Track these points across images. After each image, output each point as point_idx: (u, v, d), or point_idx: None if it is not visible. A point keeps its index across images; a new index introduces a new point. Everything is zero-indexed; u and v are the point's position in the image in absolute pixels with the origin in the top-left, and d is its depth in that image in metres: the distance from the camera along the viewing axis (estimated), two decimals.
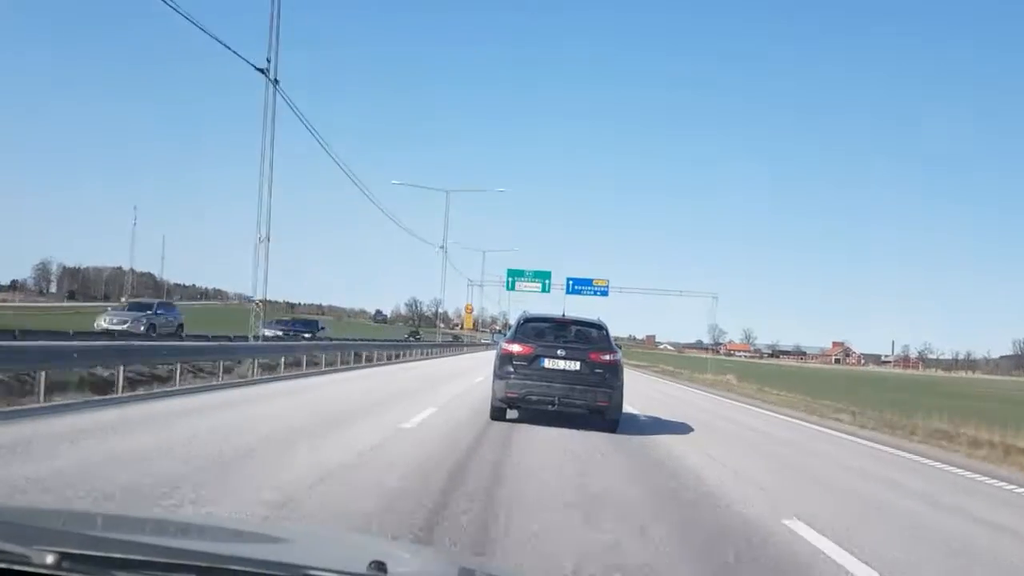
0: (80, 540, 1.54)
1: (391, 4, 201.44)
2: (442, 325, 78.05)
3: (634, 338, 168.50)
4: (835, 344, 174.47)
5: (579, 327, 11.89)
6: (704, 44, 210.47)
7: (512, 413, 11.41)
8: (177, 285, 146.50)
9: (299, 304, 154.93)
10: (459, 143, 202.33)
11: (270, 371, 18.45)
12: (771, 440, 13.35)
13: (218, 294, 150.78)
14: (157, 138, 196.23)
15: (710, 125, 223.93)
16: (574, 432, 10.50)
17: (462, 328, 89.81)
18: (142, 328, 24.24)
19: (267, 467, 6.50)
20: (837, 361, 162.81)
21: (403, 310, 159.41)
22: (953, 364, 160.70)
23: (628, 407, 14.56)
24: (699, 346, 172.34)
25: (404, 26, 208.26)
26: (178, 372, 14.03)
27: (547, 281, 57.96)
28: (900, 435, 14.64)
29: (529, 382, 10.80)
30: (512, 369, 10.93)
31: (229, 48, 17.59)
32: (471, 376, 22.62)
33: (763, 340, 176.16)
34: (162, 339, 19.74)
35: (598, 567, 4.37)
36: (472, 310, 70.90)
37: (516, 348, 11.06)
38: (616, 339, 12.31)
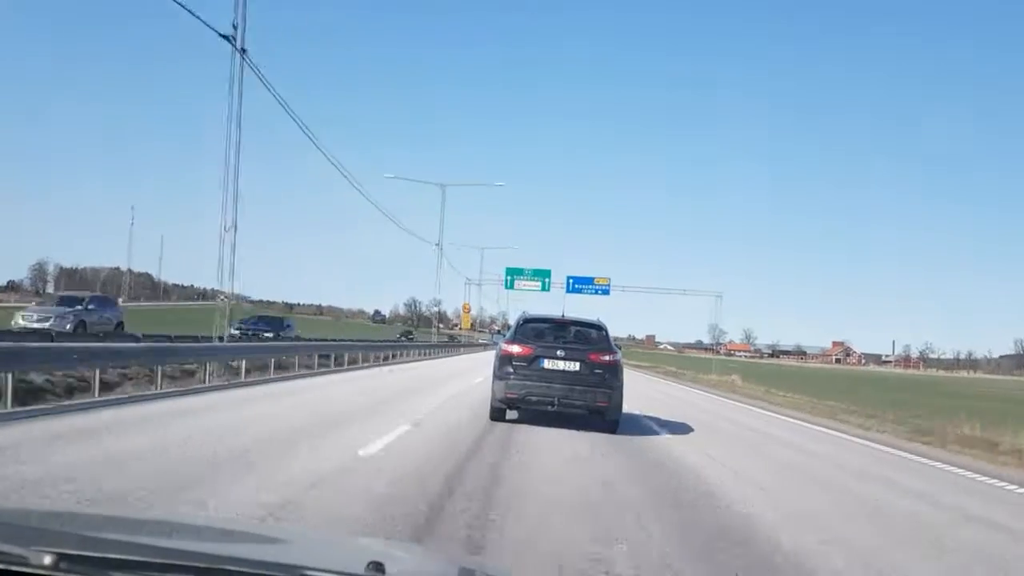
0: (77, 541, 1.54)
1: (391, 4, 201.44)
2: (441, 325, 77.81)
3: (633, 338, 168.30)
4: (835, 344, 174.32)
5: (578, 328, 11.90)
6: (704, 44, 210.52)
7: (512, 414, 11.42)
8: (175, 285, 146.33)
9: (298, 305, 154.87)
10: (459, 143, 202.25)
11: (233, 376, 16.26)
12: (806, 454, 11.62)
13: (215, 294, 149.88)
14: (157, 138, 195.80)
15: (710, 125, 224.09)
16: (582, 462, 8.47)
17: (460, 328, 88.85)
18: (68, 327, 21.09)
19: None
20: (838, 361, 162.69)
21: (402, 310, 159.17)
22: (954, 364, 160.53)
23: (634, 410, 14.58)
24: (699, 346, 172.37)
25: (403, 27, 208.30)
26: (96, 380, 11.84)
27: (547, 280, 56.58)
28: (935, 443, 13.29)
29: (529, 383, 10.81)
30: (512, 370, 10.95)
31: (192, 13, 16.20)
32: (462, 380, 21.22)
33: (763, 340, 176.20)
34: (88, 340, 17.13)
35: None
36: (470, 309, 69.73)
37: (516, 349, 11.09)
38: (615, 339, 12.33)
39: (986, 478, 9.79)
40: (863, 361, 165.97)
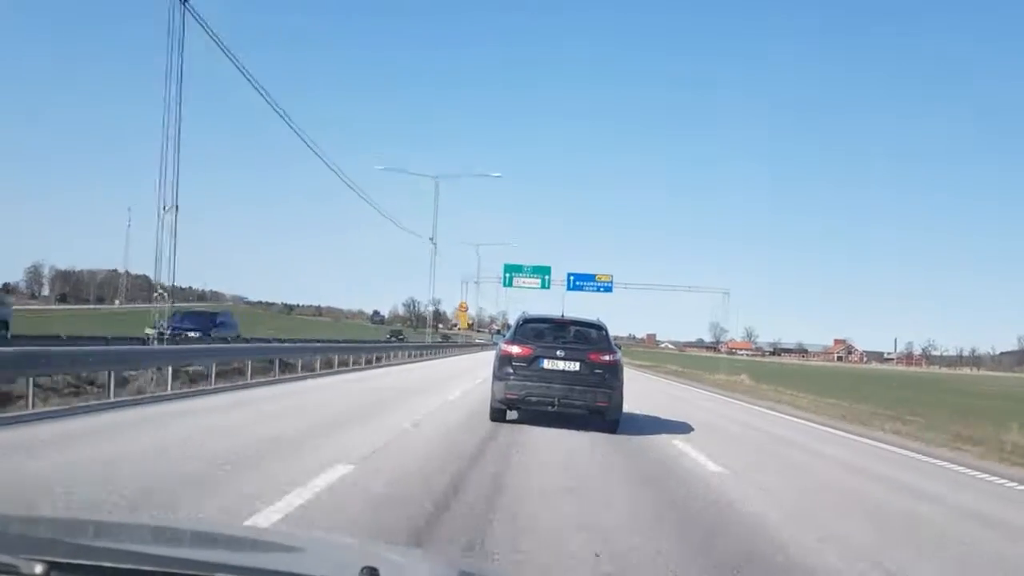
0: (69, 549, 1.52)
1: (391, 5, 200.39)
2: (440, 325, 76.68)
3: (634, 337, 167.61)
4: (837, 342, 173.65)
5: (578, 327, 11.90)
6: (705, 43, 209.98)
7: (512, 414, 11.45)
8: (173, 287, 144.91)
9: (297, 306, 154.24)
10: (458, 143, 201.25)
11: (161, 387, 13.13)
12: (865, 476, 9.26)
13: (215, 296, 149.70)
14: (154, 138, 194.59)
15: (711, 124, 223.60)
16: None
17: (459, 328, 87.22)
18: None
19: None
20: (839, 359, 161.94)
21: (401, 311, 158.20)
22: (957, 361, 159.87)
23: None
24: (700, 344, 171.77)
25: (404, 26, 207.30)
26: None
27: (547, 277, 54.41)
28: (991, 455, 11.41)
29: (528, 383, 10.80)
30: (511, 370, 10.94)
31: None
32: (444, 390, 17.38)
33: (764, 338, 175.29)
34: None
35: None
36: (467, 308, 67.56)
37: (515, 349, 11.08)
38: (616, 338, 12.28)
39: None
40: (865, 359, 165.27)
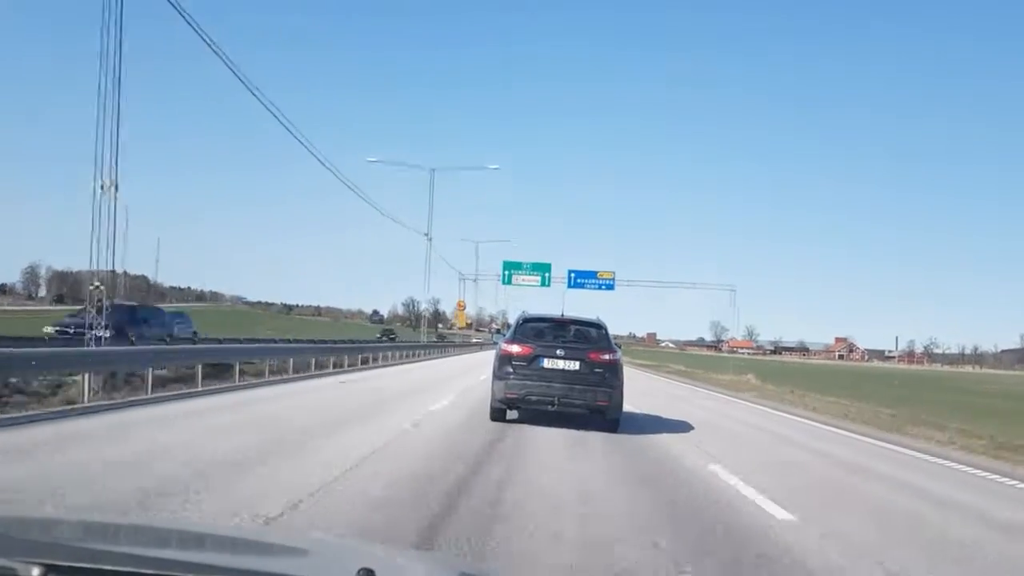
0: (67, 552, 1.53)
1: (389, 3, 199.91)
2: (440, 325, 75.93)
3: (634, 336, 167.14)
4: (838, 340, 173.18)
5: (578, 327, 11.92)
6: (702, 40, 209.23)
7: (512, 414, 11.46)
8: (172, 288, 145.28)
9: (297, 306, 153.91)
10: (457, 142, 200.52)
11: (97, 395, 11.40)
12: (931, 503, 7.72)
13: (214, 296, 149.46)
14: (155, 138, 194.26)
15: (711, 121, 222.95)
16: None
17: (458, 328, 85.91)
18: None
19: None
20: (841, 357, 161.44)
21: (400, 310, 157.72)
22: (959, 359, 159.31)
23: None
24: (700, 343, 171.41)
25: (402, 26, 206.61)
26: None
27: (546, 274, 52.70)
28: None
29: (529, 382, 10.83)
30: (511, 369, 10.96)
31: None
32: (424, 400, 14.50)
33: (765, 336, 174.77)
34: None
35: None
36: (465, 307, 66.07)
37: (515, 348, 11.10)
38: (616, 338, 12.29)
39: None
40: (866, 357, 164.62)
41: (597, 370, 10.91)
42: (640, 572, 4.51)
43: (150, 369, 13.09)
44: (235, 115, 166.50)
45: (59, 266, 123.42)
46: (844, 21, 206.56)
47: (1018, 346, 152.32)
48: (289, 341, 29.69)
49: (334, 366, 24.37)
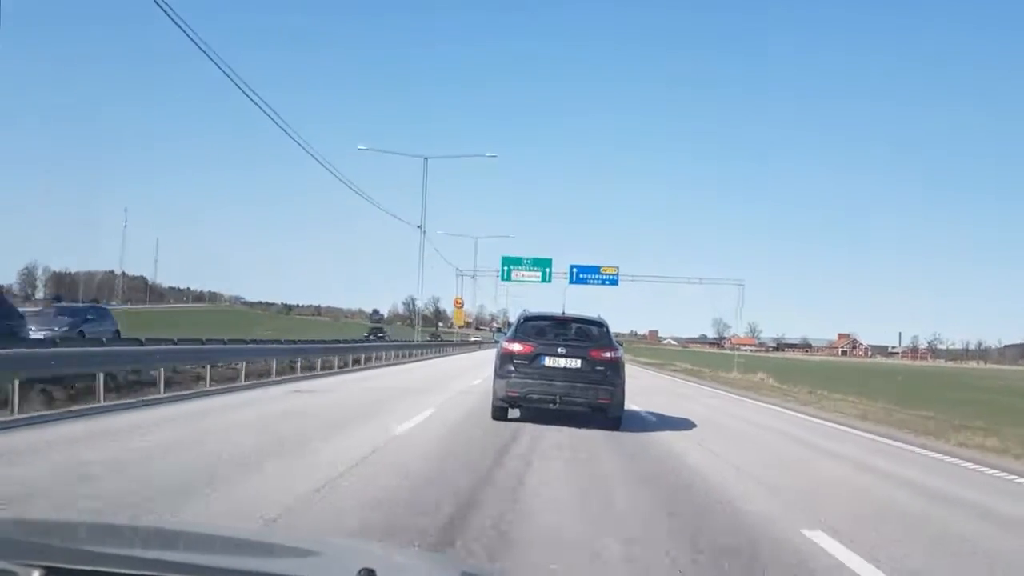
0: (67, 554, 1.53)
1: (393, 4, 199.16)
2: (440, 324, 75.10)
3: (636, 334, 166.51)
4: (841, 336, 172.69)
5: (579, 325, 11.89)
6: (701, 38, 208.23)
7: (514, 412, 11.38)
8: (171, 288, 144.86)
9: (297, 306, 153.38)
10: (457, 140, 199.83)
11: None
12: None
13: (213, 297, 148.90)
14: (154, 139, 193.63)
15: (710, 118, 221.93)
16: None
17: (458, 327, 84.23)
18: None
19: None
20: (844, 353, 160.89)
21: (401, 309, 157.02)
22: (963, 354, 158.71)
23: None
24: (703, 340, 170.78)
25: (404, 26, 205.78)
26: None
27: (547, 270, 50.52)
28: None
29: (530, 381, 10.82)
30: (513, 368, 10.95)
31: None
32: (390, 418, 11.22)
33: (767, 333, 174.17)
34: None
35: None
36: (463, 304, 64.13)
37: (516, 347, 11.09)
38: (617, 335, 12.25)
39: None
40: (870, 353, 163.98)
41: (599, 368, 10.90)
42: None
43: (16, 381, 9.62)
44: (233, 115, 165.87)
45: (59, 267, 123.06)
46: (844, 13, 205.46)
47: (1022, 341, 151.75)
48: (256, 342, 21.87)
49: (302, 369, 20.98)
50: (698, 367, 50.38)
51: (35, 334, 17.55)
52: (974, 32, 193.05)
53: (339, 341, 31.42)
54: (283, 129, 24.41)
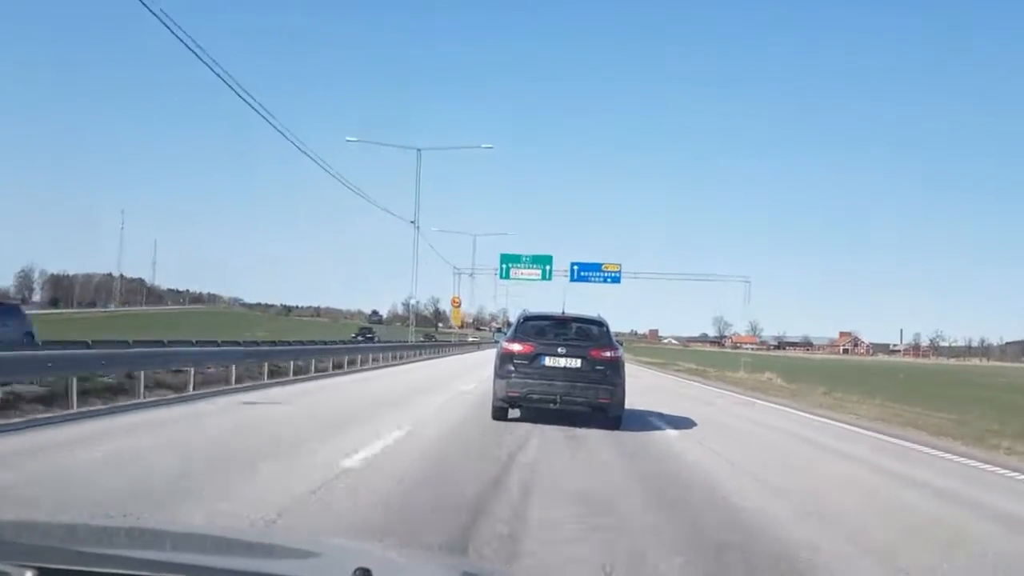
0: (61, 555, 1.52)
1: (394, 3, 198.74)
2: (440, 324, 74.46)
3: (636, 333, 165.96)
4: (842, 334, 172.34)
5: (579, 324, 11.87)
6: (701, 37, 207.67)
7: (514, 412, 11.35)
8: (169, 290, 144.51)
9: (296, 307, 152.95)
10: (456, 138, 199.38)
11: None
12: None
13: (211, 298, 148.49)
14: (154, 140, 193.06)
15: (710, 116, 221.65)
16: None
17: (457, 327, 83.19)
18: None
19: None
20: (845, 351, 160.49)
21: (400, 310, 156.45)
22: (965, 351, 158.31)
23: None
24: (704, 340, 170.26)
25: (403, 25, 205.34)
26: None
27: (547, 267, 49.19)
28: None
29: (530, 380, 10.82)
30: (513, 368, 10.94)
31: None
32: (351, 439, 8.56)
33: (768, 332, 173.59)
34: None
35: None
36: (460, 303, 62.56)
37: (516, 347, 11.09)
38: (618, 335, 12.24)
39: None
40: (871, 351, 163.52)
41: (599, 368, 10.90)
42: None
43: None
44: (230, 116, 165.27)
45: (55, 270, 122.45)
46: (844, 12, 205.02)
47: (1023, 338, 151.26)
48: (220, 343, 18.69)
49: (270, 375, 18.07)
50: (702, 366, 48.87)
51: None
52: (974, 32, 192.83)
53: (315, 343, 27.49)
54: (277, 128, 24.17)
